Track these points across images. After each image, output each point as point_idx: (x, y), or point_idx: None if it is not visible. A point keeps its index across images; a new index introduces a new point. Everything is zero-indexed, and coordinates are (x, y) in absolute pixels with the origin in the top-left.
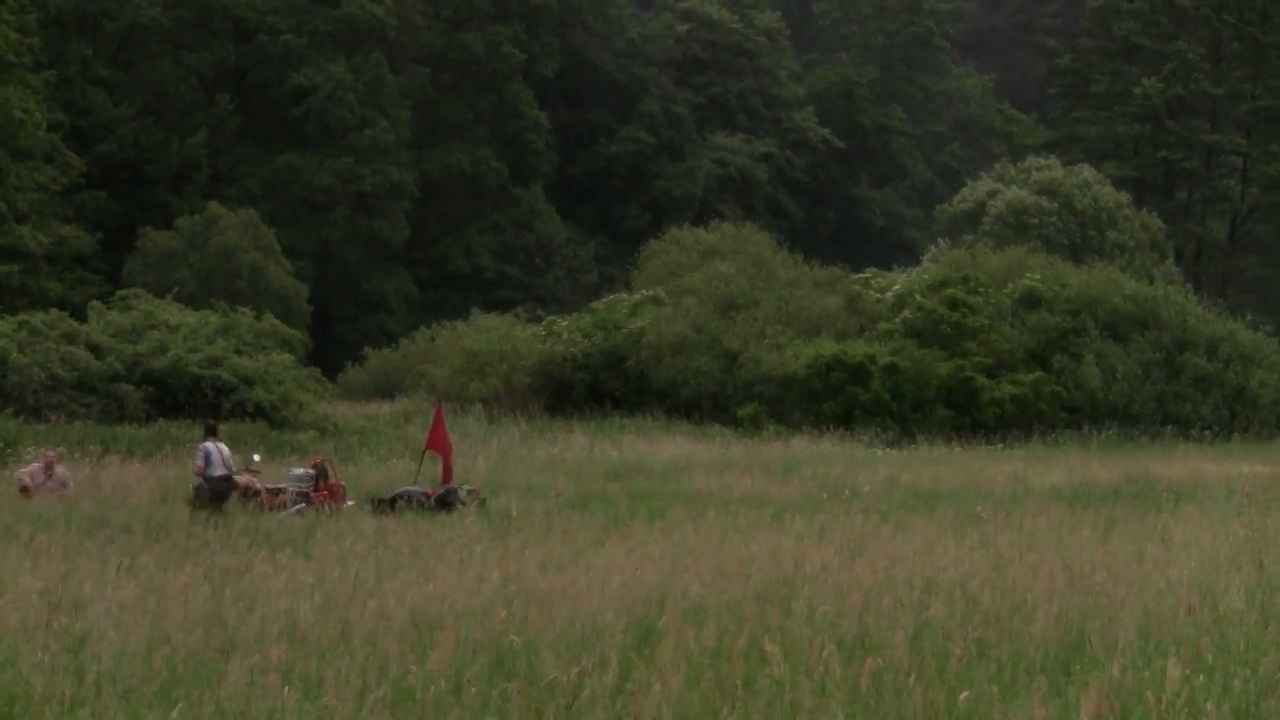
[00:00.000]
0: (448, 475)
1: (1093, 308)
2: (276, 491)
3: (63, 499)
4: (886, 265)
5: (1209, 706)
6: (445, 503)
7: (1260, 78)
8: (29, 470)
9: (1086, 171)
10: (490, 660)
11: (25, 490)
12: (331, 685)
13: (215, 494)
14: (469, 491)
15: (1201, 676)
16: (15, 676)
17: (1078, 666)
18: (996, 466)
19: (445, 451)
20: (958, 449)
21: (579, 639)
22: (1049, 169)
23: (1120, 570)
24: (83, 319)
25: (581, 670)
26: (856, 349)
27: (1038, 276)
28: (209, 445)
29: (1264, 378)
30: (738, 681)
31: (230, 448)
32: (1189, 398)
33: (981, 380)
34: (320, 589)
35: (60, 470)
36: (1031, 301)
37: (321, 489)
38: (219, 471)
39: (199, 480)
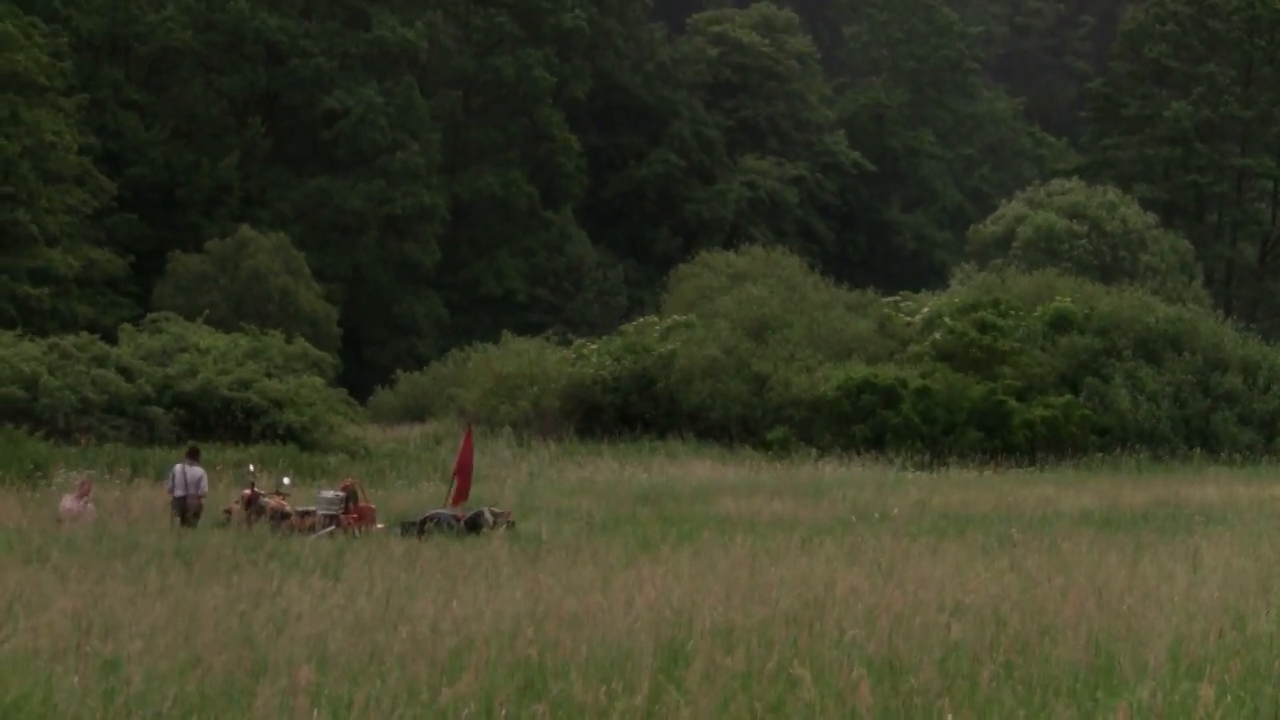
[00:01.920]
0: (457, 498)
1: (1125, 328)
2: (306, 514)
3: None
4: (917, 288)
5: None
6: (474, 525)
7: None
8: (70, 501)
9: (1111, 193)
10: (520, 683)
11: (61, 520)
12: (361, 708)
13: (176, 510)
14: (497, 514)
15: (1229, 696)
16: (46, 699)
17: (1103, 690)
18: (1027, 489)
19: (463, 474)
20: (988, 472)
21: (608, 661)
22: (1073, 192)
23: (1150, 593)
24: (113, 342)
25: (610, 692)
26: (887, 372)
27: (1069, 299)
28: (177, 467)
29: None
30: (763, 704)
31: (261, 470)
32: (1223, 420)
33: (1012, 403)
34: (349, 611)
35: (89, 505)
36: (1063, 324)
37: (351, 512)
38: (178, 492)
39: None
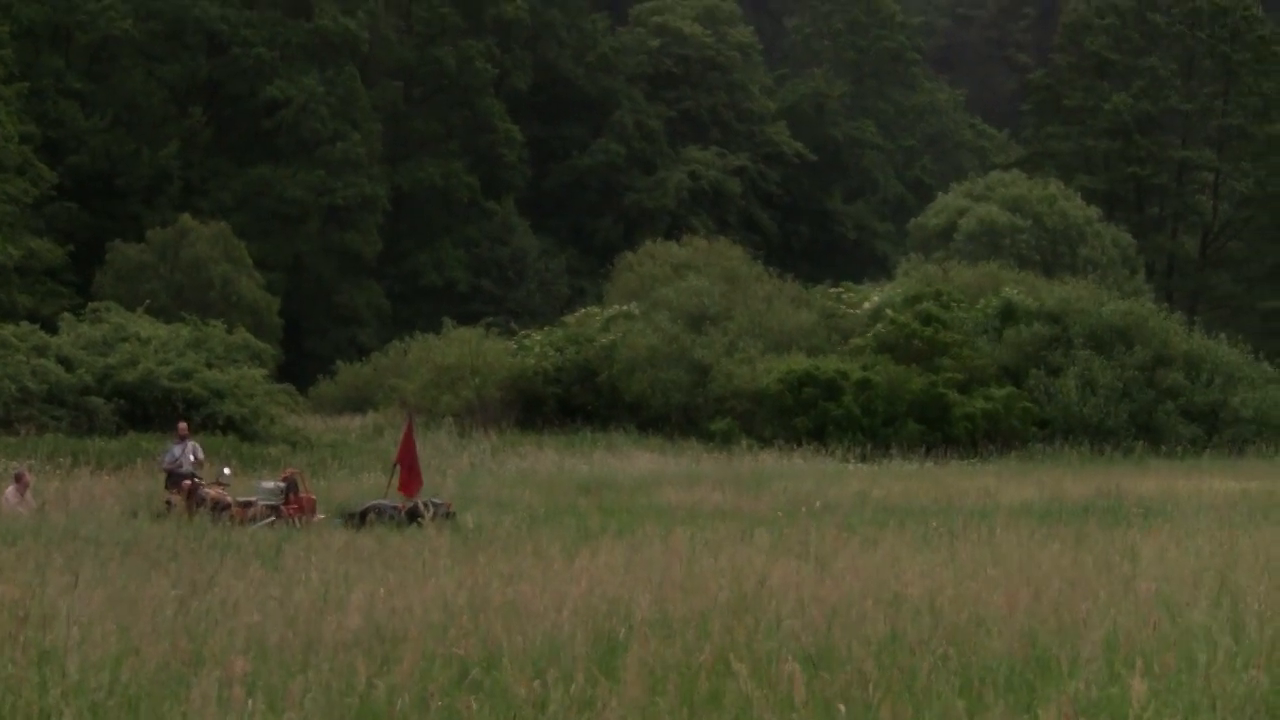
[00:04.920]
0: (411, 488)
1: (1075, 319)
2: (247, 505)
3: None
4: (858, 279)
5: None
6: (415, 516)
7: (1231, 94)
8: (11, 493)
9: (1053, 185)
10: (455, 674)
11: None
12: (297, 699)
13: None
14: (437, 505)
15: (1148, 683)
16: None
17: (1039, 682)
18: (968, 481)
19: (411, 466)
20: (930, 464)
21: (544, 653)
22: (1015, 184)
23: (1087, 585)
24: (53, 332)
25: (545, 683)
26: (828, 364)
27: (1015, 290)
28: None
29: (1245, 396)
30: (698, 696)
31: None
32: (1166, 414)
33: (953, 395)
34: (288, 602)
35: (28, 496)
36: (1009, 315)
37: (291, 502)
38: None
39: None
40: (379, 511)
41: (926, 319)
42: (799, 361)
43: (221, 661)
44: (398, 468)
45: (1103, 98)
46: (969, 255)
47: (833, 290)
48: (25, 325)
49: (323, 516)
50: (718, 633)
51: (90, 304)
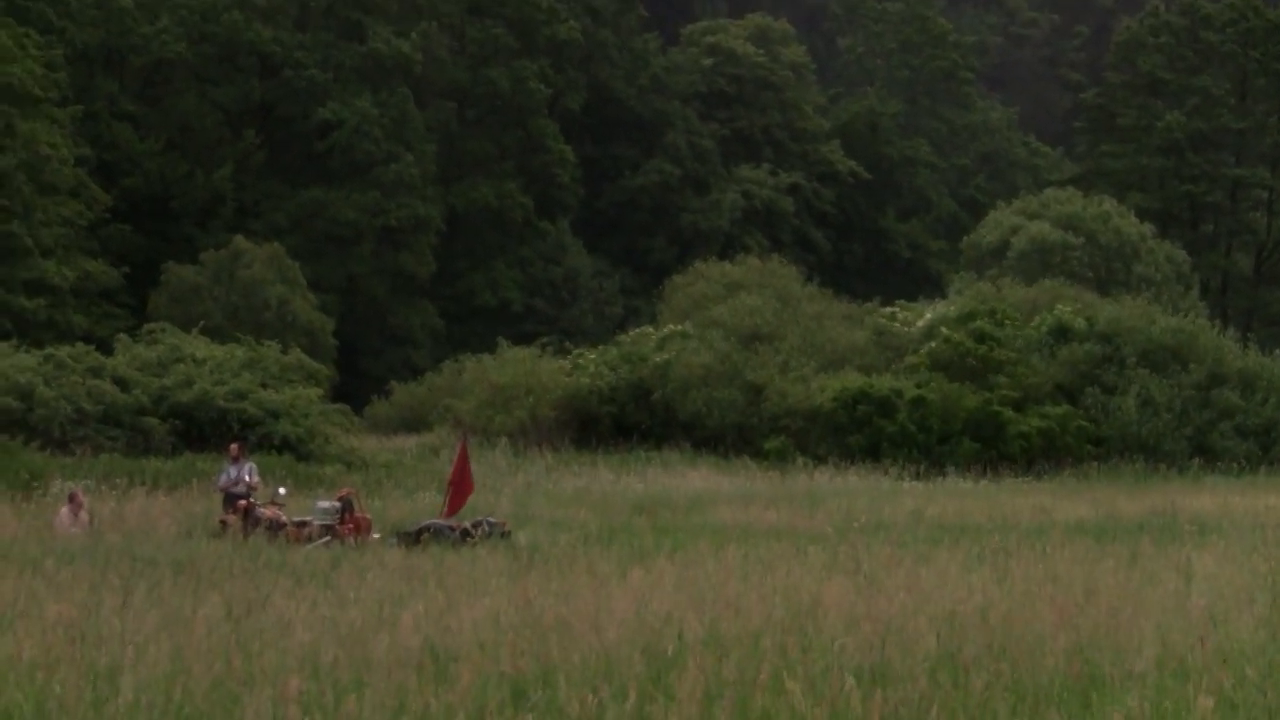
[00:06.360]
0: (451, 509)
1: (1127, 338)
2: (302, 524)
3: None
4: (912, 297)
5: None
6: (469, 535)
7: None
8: (65, 514)
9: (1107, 203)
10: (510, 692)
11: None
12: (352, 718)
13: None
14: (493, 524)
15: (1211, 700)
16: (37, 709)
17: (1096, 697)
18: (1022, 499)
19: (458, 486)
20: (985, 482)
21: (598, 670)
22: (1069, 202)
23: (1140, 602)
24: (109, 353)
25: (600, 701)
26: (883, 382)
27: (1069, 309)
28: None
29: None
30: (754, 713)
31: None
32: (1220, 435)
33: (1008, 414)
34: (341, 621)
35: (83, 515)
36: (1062, 334)
37: (347, 522)
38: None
39: None
40: (434, 531)
41: (980, 337)
42: (853, 379)
43: (275, 681)
44: (450, 489)
45: (1156, 116)
46: (1022, 273)
47: (888, 309)
48: (81, 346)
49: (378, 536)
50: (771, 650)
51: (146, 325)
